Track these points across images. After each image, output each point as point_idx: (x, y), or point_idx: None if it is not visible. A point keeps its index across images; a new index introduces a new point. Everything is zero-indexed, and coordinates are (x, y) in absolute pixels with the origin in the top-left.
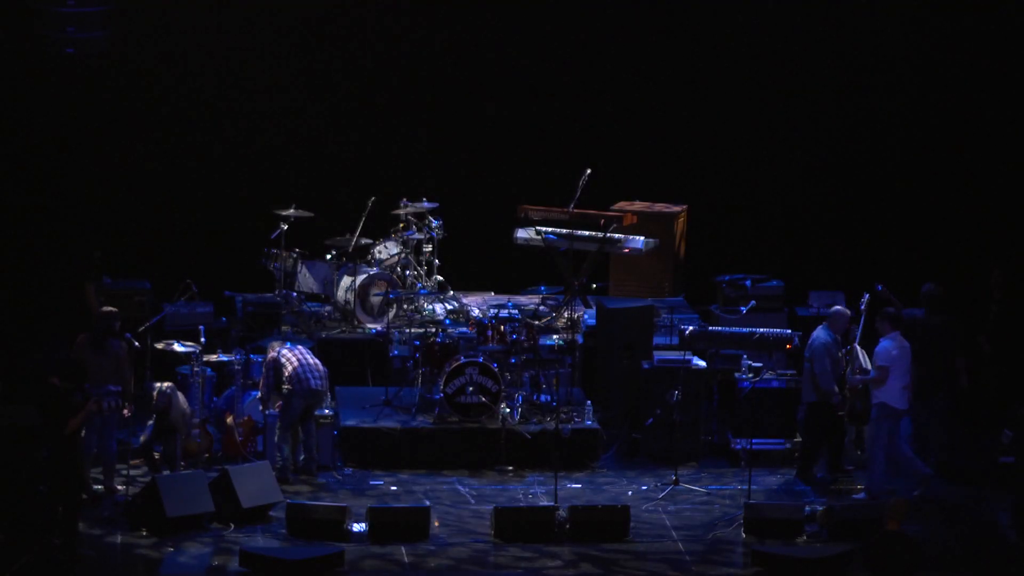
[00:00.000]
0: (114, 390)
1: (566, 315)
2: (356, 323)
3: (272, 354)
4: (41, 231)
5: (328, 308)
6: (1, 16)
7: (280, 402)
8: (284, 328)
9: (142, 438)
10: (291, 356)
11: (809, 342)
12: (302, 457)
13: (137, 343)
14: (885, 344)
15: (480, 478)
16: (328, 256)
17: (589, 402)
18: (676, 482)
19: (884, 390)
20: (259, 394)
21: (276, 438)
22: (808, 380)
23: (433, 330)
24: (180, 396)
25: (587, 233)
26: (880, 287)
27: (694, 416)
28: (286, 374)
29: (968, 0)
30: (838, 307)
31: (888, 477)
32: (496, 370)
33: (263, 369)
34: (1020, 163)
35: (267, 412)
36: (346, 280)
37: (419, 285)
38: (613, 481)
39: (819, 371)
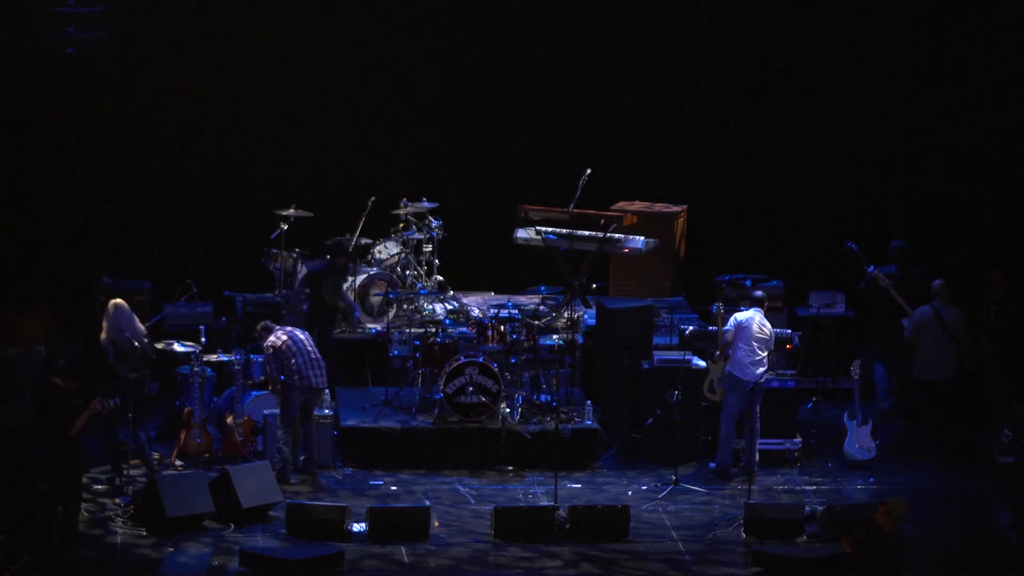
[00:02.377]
0: (40, 351)
1: (566, 315)
2: (356, 323)
3: (271, 339)
4: (42, 231)
5: None
6: (1, 16)
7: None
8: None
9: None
10: (291, 345)
11: (944, 321)
12: (302, 457)
13: (136, 343)
14: (736, 313)
15: (480, 478)
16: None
17: (589, 402)
18: (676, 482)
19: (731, 360)
20: (261, 377)
21: (279, 436)
22: (955, 354)
23: (433, 330)
24: (119, 316)
25: (587, 233)
26: (850, 244)
27: (694, 416)
28: (288, 365)
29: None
30: (939, 280)
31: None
32: (496, 370)
33: (265, 357)
34: (1020, 163)
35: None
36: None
37: (419, 285)
38: (613, 481)
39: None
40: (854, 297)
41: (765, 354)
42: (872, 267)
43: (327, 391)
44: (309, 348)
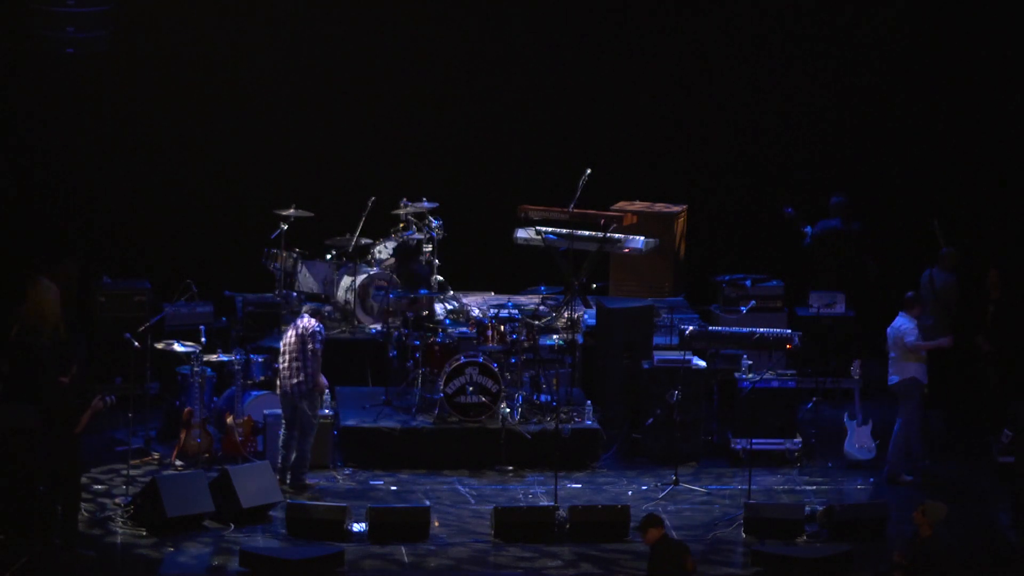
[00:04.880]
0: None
1: (566, 315)
2: (356, 323)
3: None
4: (41, 231)
5: (328, 308)
6: (1, 16)
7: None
8: (284, 328)
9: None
10: (283, 346)
11: (935, 288)
12: (293, 456)
13: (137, 343)
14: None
15: (480, 478)
16: (328, 256)
17: (589, 402)
18: (676, 482)
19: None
20: (261, 377)
21: (281, 438)
22: (946, 321)
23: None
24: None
25: (587, 233)
26: (789, 210)
27: (694, 416)
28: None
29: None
30: (948, 248)
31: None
32: (496, 370)
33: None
34: (1017, 163)
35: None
36: (346, 280)
37: None
38: (613, 481)
39: None
40: (799, 252)
41: (894, 355)
42: (809, 227)
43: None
44: (290, 353)
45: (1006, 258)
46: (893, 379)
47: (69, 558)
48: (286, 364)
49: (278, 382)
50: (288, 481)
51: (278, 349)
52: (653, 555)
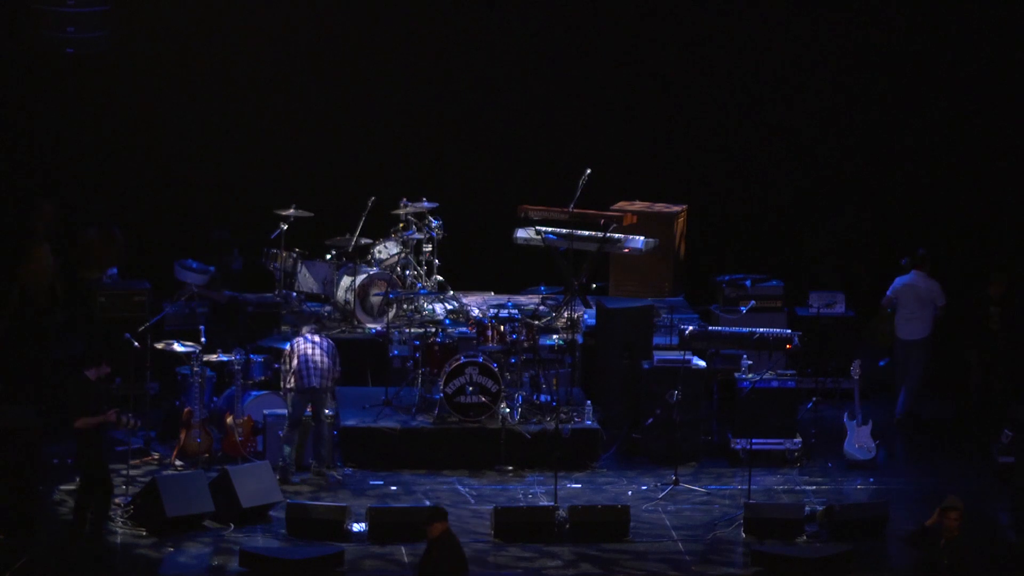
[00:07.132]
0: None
1: (566, 315)
2: (356, 323)
3: (290, 345)
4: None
5: (328, 308)
6: (1, 16)
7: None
8: (284, 328)
9: None
10: (299, 349)
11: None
12: (311, 460)
13: (137, 343)
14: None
15: (480, 478)
16: (328, 256)
17: (589, 402)
18: (676, 482)
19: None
20: (261, 377)
21: (281, 436)
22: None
23: (433, 330)
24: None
25: (587, 233)
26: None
27: (694, 416)
28: (291, 367)
29: (972, 8)
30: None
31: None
32: (496, 370)
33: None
34: (1019, 166)
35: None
36: (346, 280)
37: (419, 285)
38: (613, 481)
39: None
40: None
41: (916, 310)
42: None
43: (326, 392)
44: (319, 349)
45: (1009, 260)
46: (923, 332)
47: (69, 558)
48: (317, 364)
49: (299, 379)
50: (313, 469)
51: (278, 349)
52: (431, 548)
